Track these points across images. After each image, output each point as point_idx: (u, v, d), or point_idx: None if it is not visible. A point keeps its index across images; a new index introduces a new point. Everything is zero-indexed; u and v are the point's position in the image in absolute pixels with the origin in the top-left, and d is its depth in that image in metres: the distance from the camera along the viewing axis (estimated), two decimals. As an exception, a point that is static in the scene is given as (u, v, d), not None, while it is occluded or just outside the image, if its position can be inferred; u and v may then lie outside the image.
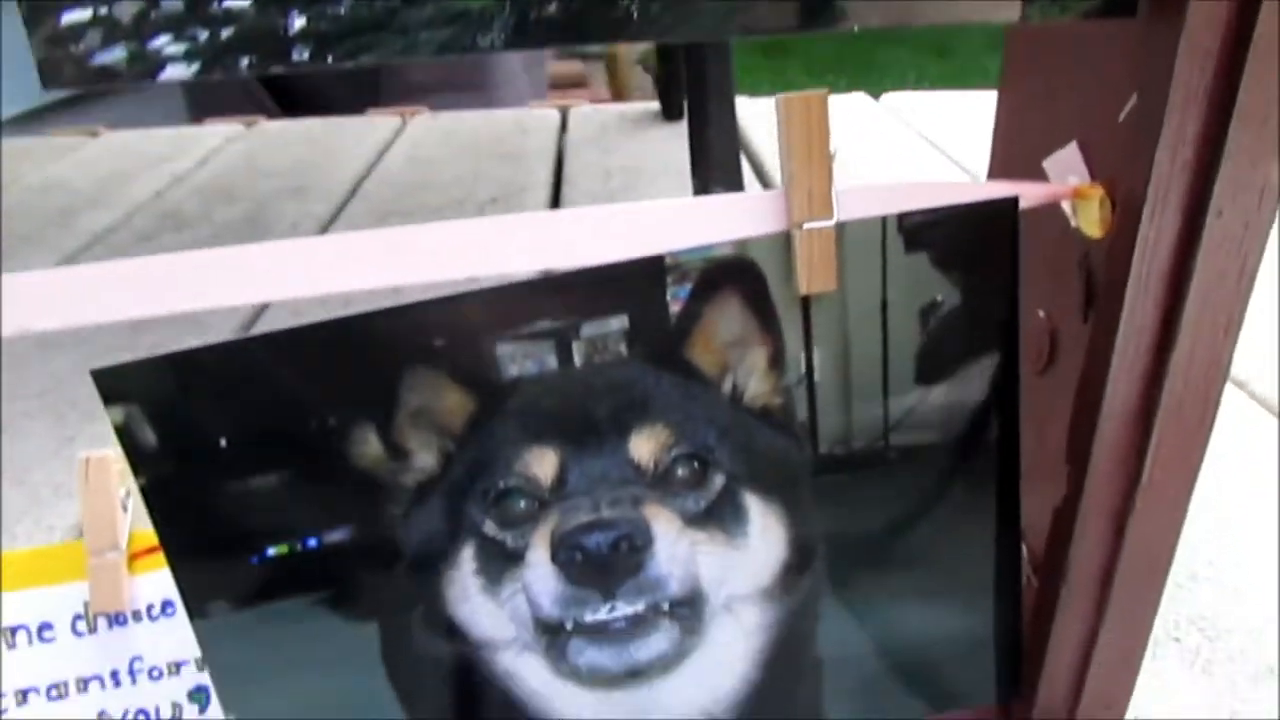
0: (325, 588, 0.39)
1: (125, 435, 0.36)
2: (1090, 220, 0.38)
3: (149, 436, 0.36)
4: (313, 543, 0.38)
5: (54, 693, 0.45)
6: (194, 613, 0.39)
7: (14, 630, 0.45)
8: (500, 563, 0.40)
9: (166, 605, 0.45)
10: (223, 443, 0.37)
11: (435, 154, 1.56)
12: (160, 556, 0.45)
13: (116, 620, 0.45)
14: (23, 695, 0.45)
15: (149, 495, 0.37)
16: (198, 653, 0.45)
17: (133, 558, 0.45)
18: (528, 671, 0.41)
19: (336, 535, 0.39)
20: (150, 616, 0.45)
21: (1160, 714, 0.51)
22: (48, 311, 0.34)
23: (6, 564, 0.45)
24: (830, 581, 0.42)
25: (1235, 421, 0.81)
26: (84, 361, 1.02)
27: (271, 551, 0.38)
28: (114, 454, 0.45)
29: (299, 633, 0.40)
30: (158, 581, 0.45)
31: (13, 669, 0.45)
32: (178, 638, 0.45)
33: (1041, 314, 0.41)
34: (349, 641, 0.40)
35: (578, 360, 0.38)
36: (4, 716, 0.45)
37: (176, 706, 0.45)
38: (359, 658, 0.40)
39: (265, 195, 1.35)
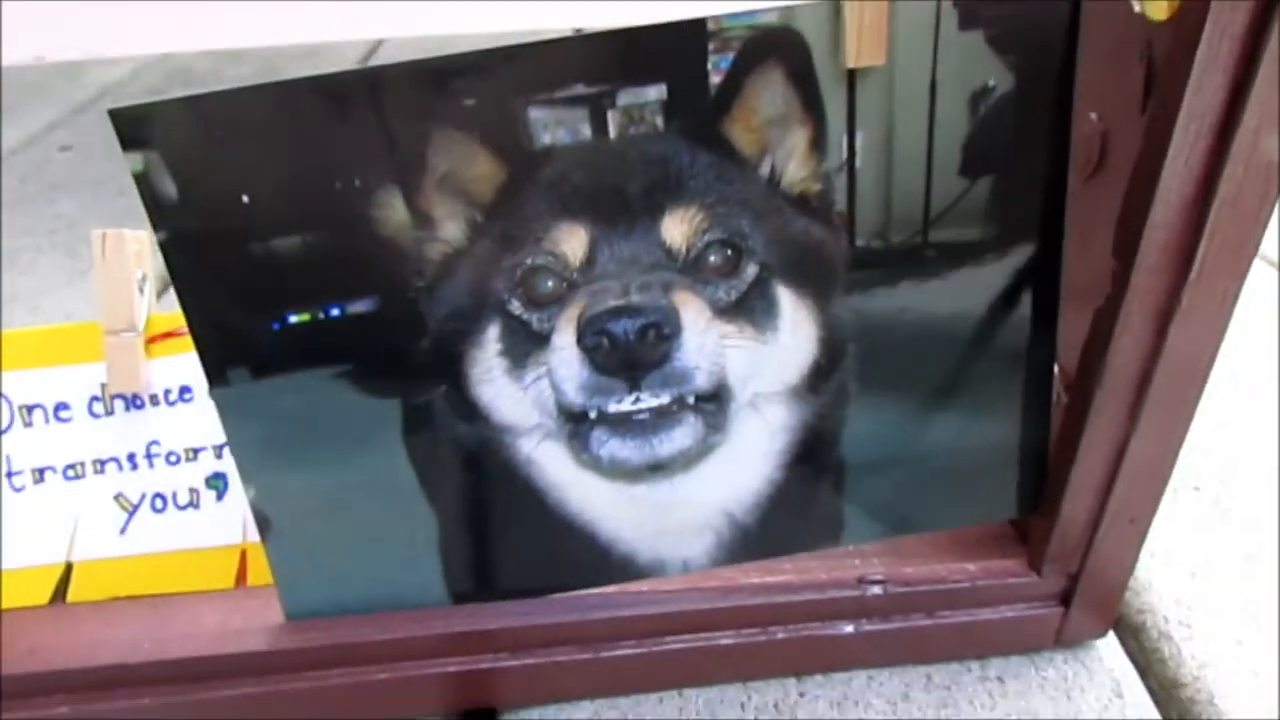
0: (347, 360, 0.38)
1: (144, 184, 0.35)
2: (1157, 2, 0.36)
3: (169, 187, 0.35)
4: (335, 312, 0.38)
5: (70, 473, 0.45)
6: (214, 380, 0.38)
7: (30, 409, 0.44)
8: (525, 344, 0.39)
9: (184, 391, 0.45)
10: (245, 198, 0.36)
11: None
12: (178, 341, 0.45)
13: (133, 403, 0.45)
14: (39, 474, 0.45)
15: (168, 252, 0.36)
16: (216, 440, 0.45)
17: (150, 341, 0.44)
18: (548, 460, 0.41)
19: (359, 305, 0.38)
20: (168, 401, 0.45)
21: (1180, 553, 0.51)
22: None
23: (23, 341, 0.44)
24: (858, 383, 0.41)
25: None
26: (93, 204, 1.00)
27: (293, 318, 0.38)
28: (131, 233, 0.44)
29: (320, 407, 0.39)
30: (175, 366, 0.44)
31: (30, 447, 0.44)
32: (196, 424, 0.45)
33: (1094, 116, 0.40)
34: (370, 419, 0.39)
35: (612, 131, 0.36)
36: (20, 494, 0.45)
37: (194, 492, 0.45)
38: (380, 436, 0.40)
39: (273, 56, 1.31)
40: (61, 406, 0.44)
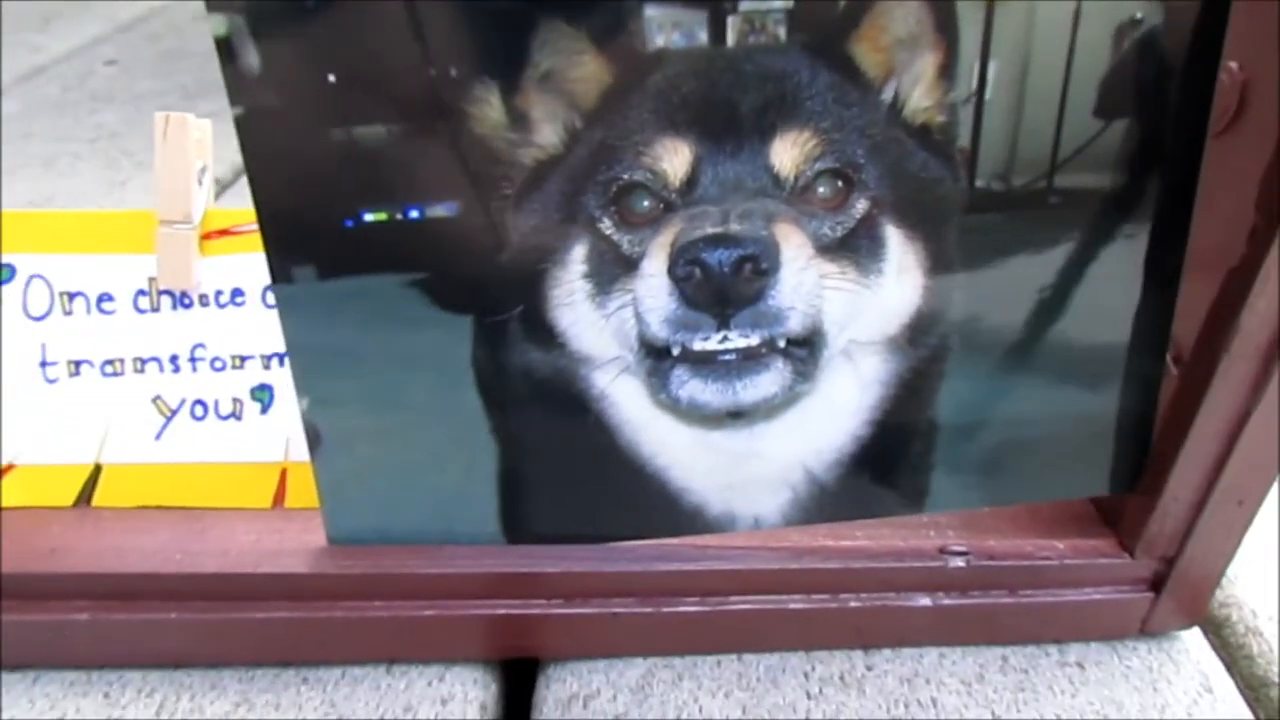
0: (421, 268, 0.36)
1: (226, 51, 0.32)
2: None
3: (252, 56, 0.32)
4: (414, 214, 0.35)
5: (109, 369, 0.42)
6: (277, 276, 0.35)
7: (72, 296, 0.42)
8: (612, 268, 0.36)
9: (236, 294, 0.42)
10: (331, 78, 0.33)
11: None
12: (234, 240, 0.42)
13: (181, 301, 0.42)
14: (75, 366, 0.42)
15: (244, 128, 0.33)
16: (265, 349, 0.43)
17: (204, 237, 0.42)
18: (624, 396, 0.38)
19: (440, 209, 0.35)
20: (218, 303, 0.42)
21: (1269, 544, 0.48)
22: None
23: (70, 224, 0.42)
24: (960, 338, 0.39)
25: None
26: (135, 119, 0.98)
27: (368, 216, 0.35)
28: (194, 118, 0.41)
29: (387, 317, 0.36)
30: (229, 267, 0.42)
31: (68, 337, 0.42)
32: (245, 330, 0.42)
33: (1234, 65, 0.37)
34: (438, 335, 0.37)
35: (730, 39, 0.34)
36: (53, 386, 0.42)
37: (237, 402, 0.43)
38: (447, 355, 0.37)
39: None
40: (105, 297, 0.42)
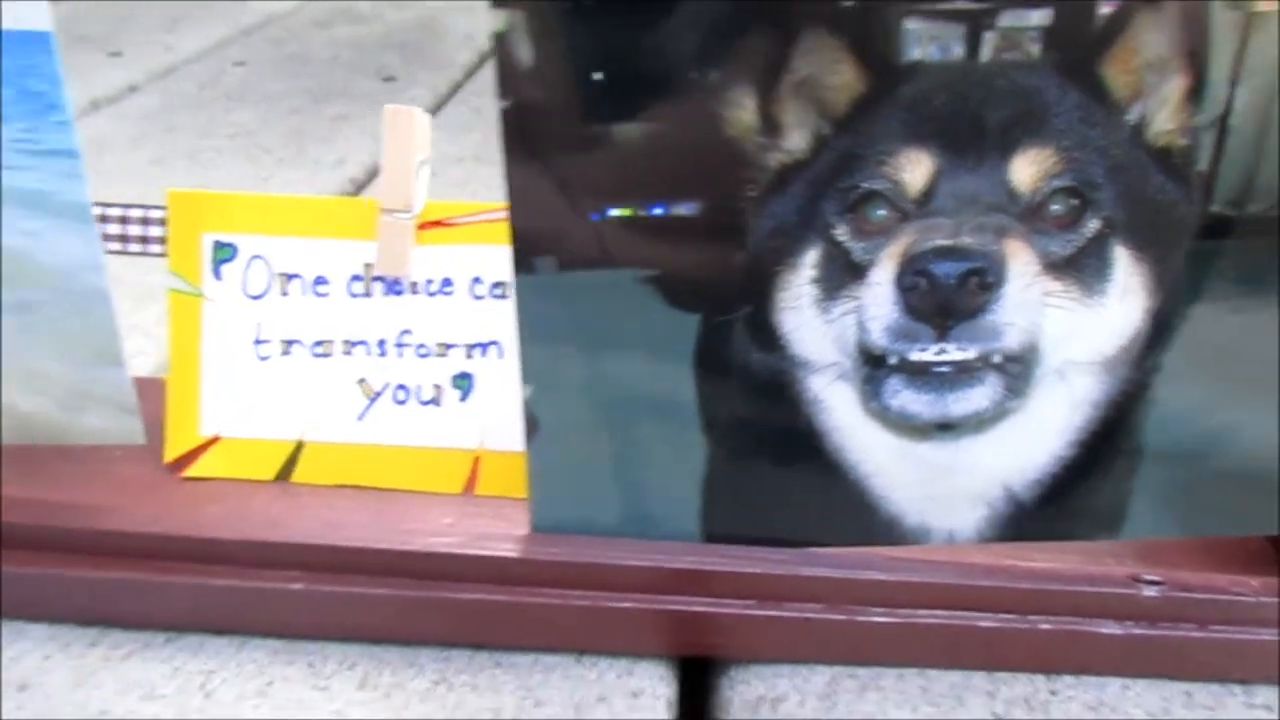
0: (657, 265, 0.37)
1: (502, 45, 0.33)
2: None
3: (525, 52, 0.34)
4: (658, 211, 0.36)
5: (318, 349, 0.44)
6: (520, 265, 0.36)
7: (289, 278, 0.43)
8: (841, 275, 0.37)
9: (446, 283, 0.43)
10: (597, 75, 0.34)
11: None
12: (447, 232, 0.44)
13: (393, 288, 0.43)
14: (287, 345, 0.44)
15: (508, 121, 0.34)
16: (469, 338, 0.44)
17: (419, 227, 0.43)
18: (836, 402, 0.39)
19: (684, 208, 0.36)
20: (428, 292, 0.43)
21: None
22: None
23: (291, 208, 0.43)
24: (1176, 364, 0.39)
25: None
26: (268, 117, 1.01)
27: (614, 212, 0.36)
28: (419, 112, 0.42)
29: (618, 312, 0.37)
30: (441, 257, 0.43)
31: (282, 317, 0.43)
32: (451, 319, 0.43)
33: None
34: (666, 332, 0.37)
35: (984, 54, 0.34)
36: (264, 363, 0.44)
37: (438, 389, 0.44)
38: (671, 352, 0.38)
39: (439, 7, 1.32)
40: (320, 280, 0.43)
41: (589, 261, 0.37)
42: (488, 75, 1.19)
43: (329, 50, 1.16)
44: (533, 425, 0.39)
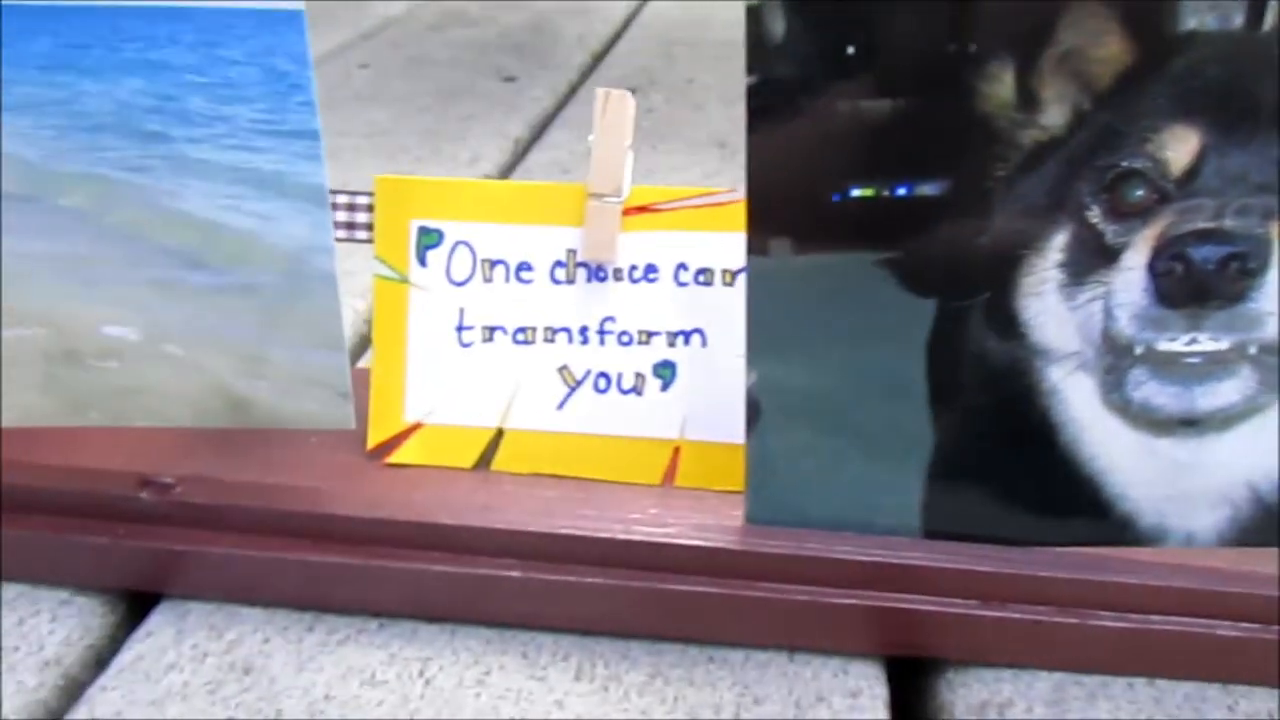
0: (898, 246, 0.35)
1: (755, 20, 0.33)
2: None
3: (778, 26, 0.33)
4: (901, 190, 0.35)
5: (520, 336, 0.43)
6: (755, 247, 0.36)
7: (493, 264, 0.43)
8: (1090, 259, 0.35)
9: (650, 270, 0.42)
10: (850, 49, 0.33)
11: None
12: (653, 217, 0.43)
13: (596, 274, 0.43)
14: (489, 332, 0.43)
15: (755, 97, 0.34)
16: (672, 326, 0.43)
17: (624, 213, 0.42)
18: (1074, 394, 0.37)
19: (930, 186, 0.35)
20: (631, 279, 0.43)
21: None
22: None
23: (496, 194, 0.43)
24: None
25: None
26: (401, 117, 1.01)
27: (856, 191, 0.35)
28: (629, 94, 0.42)
29: (853, 296, 0.36)
30: (646, 243, 0.42)
31: (485, 304, 0.43)
32: (655, 307, 0.42)
33: None
34: (900, 318, 0.36)
35: (1267, 23, 0.33)
36: (466, 350, 0.43)
37: (639, 377, 0.43)
38: (904, 339, 0.36)
39: (548, 10, 1.32)
40: (524, 266, 0.43)
41: (826, 244, 0.36)
42: (604, 75, 1.20)
43: (447, 52, 1.17)
44: (755, 413, 0.38)
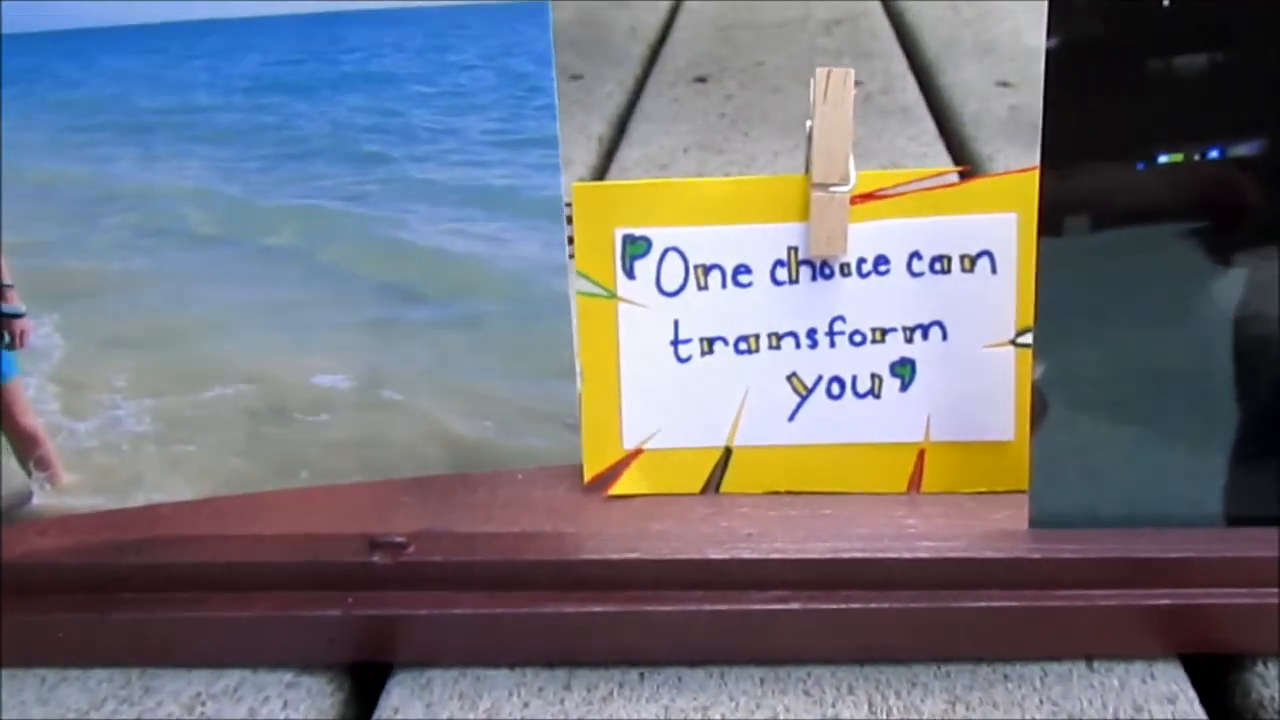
0: (1208, 214, 0.32)
1: (1059, -26, 0.29)
2: None
3: (1082, -20, 0.30)
4: (1214, 153, 0.32)
5: (743, 345, 0.40)
6: (1048, 228, 0.32)
7: (708, 269, 0.39)
8: None
9: (880, 262, 0.39)
10: (1165, 1, 0.30)
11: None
12: (880, 205, 0.40)
13: (822, 271, 0.39)
14: (708, 344, 0.40)
15: (1056, 61, 0.30)
16: (908, 320, 0.40)
17: (850, 202, 0.39)
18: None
19: (1245, 147, 0.31)
20: (860, 273, 0.39)
21: None
22: None
23: (707, 192, 0.39)
24: None
25: None
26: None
27: (1163, 158, 0.32)
28: (852, 74, 0.38)
29: (1152, 272, 0.33)
30: (874, 233, 0.39)
31: (702, 313, 0.40)
32: (888, 301, 0.39)
33: None
34: (1205, 292, 0.33)
35: None
36: (685, 365, 0.40)
37: (876, 378, 0.40)
38: (1209, 314, 0.33)
39: (591, 5, 1.28)
40: (742, 269, 0.39)
41: (1127, 218, 0.32)
42: (670, 65, 1.15)
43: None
44: (1041, 409, 0.35)
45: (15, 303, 0.33)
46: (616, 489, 0.40)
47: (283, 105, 0.31)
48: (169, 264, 0.32)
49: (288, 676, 0.37)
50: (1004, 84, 1.06)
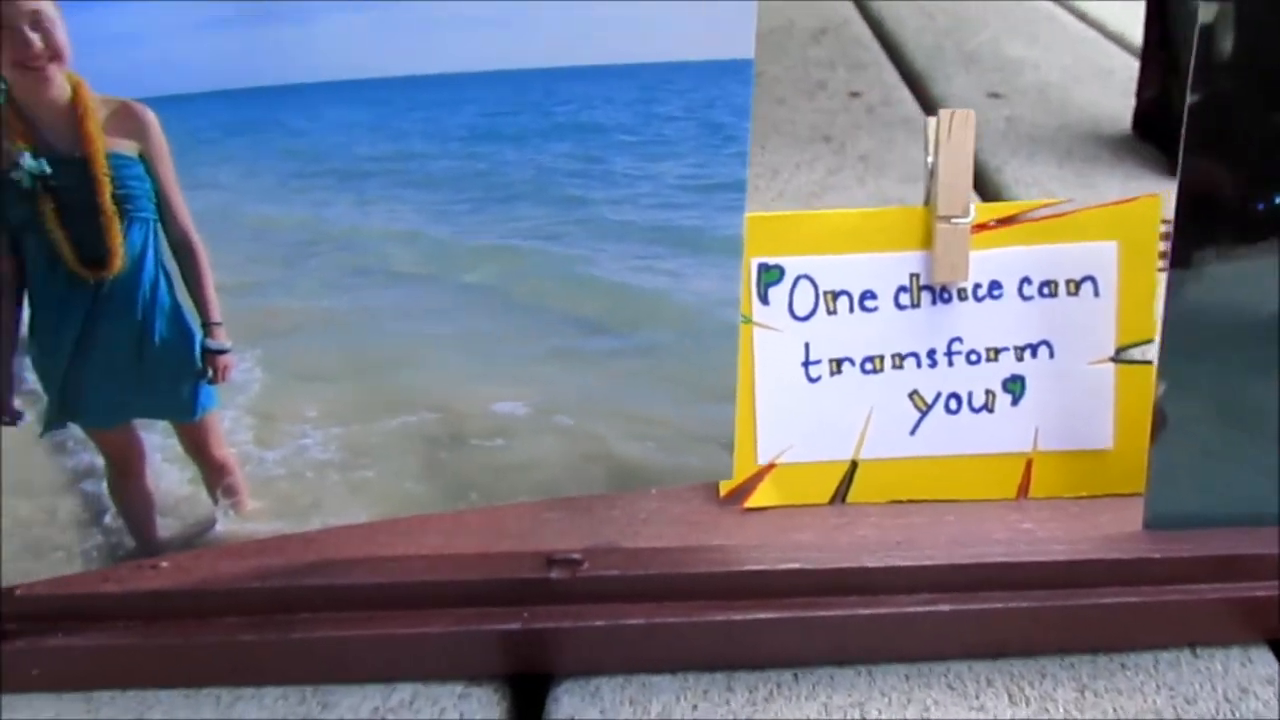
0: (1312, 248, 0.36)
1: (1206, 37, 0.33)
2: None
3: (1226, 43, 0.33)
4: (1323, 193, 0.36)
5: (869, 365, 0.43)
6: (1179, 260, 0.36)
7: (836, 295, 0.42)
8: None
9: (994, 287, 0.42)
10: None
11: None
12: (994, 234, 0.43)
13: (941, 296, 0.42)
14: (836, 364, 0.42)
15: (1196, 114, 0.34)
16: (1019, 340, 0.43)
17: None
18: None
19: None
20: (976, 297, 0.42)
21: None
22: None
23: (835, 224, 0.42)
24: None
25: None
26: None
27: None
28: (973, 115, 0.41)
29: (1268, 296, 0.37)
30: (989, 260, 0.42)
31: (831, 336, 0.42)
32: (1002, 323, 0.42)
33: None
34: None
35: None
36: (815, 385, 0.42)
37: (989, 394, 0.43)
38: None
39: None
40: (868, 295, 0.42)
41: (1247, 251, 0.36)
42: None
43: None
44: (1161, 422, 0.38)
45: (222, 339, 0.34)
46: (752, 501, 0.43)
47: (494, 153, 0.32)
48: (370, 301, 0.33)
49: (458, 688, 0.39)
50: (995, 95, 1.11)
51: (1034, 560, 0.38)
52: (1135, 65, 1.17)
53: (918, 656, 0.39)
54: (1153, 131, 0.89)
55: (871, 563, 0.38)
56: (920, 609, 0.38)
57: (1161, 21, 0.86)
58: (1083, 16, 1.37)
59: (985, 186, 0.85)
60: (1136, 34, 1.26)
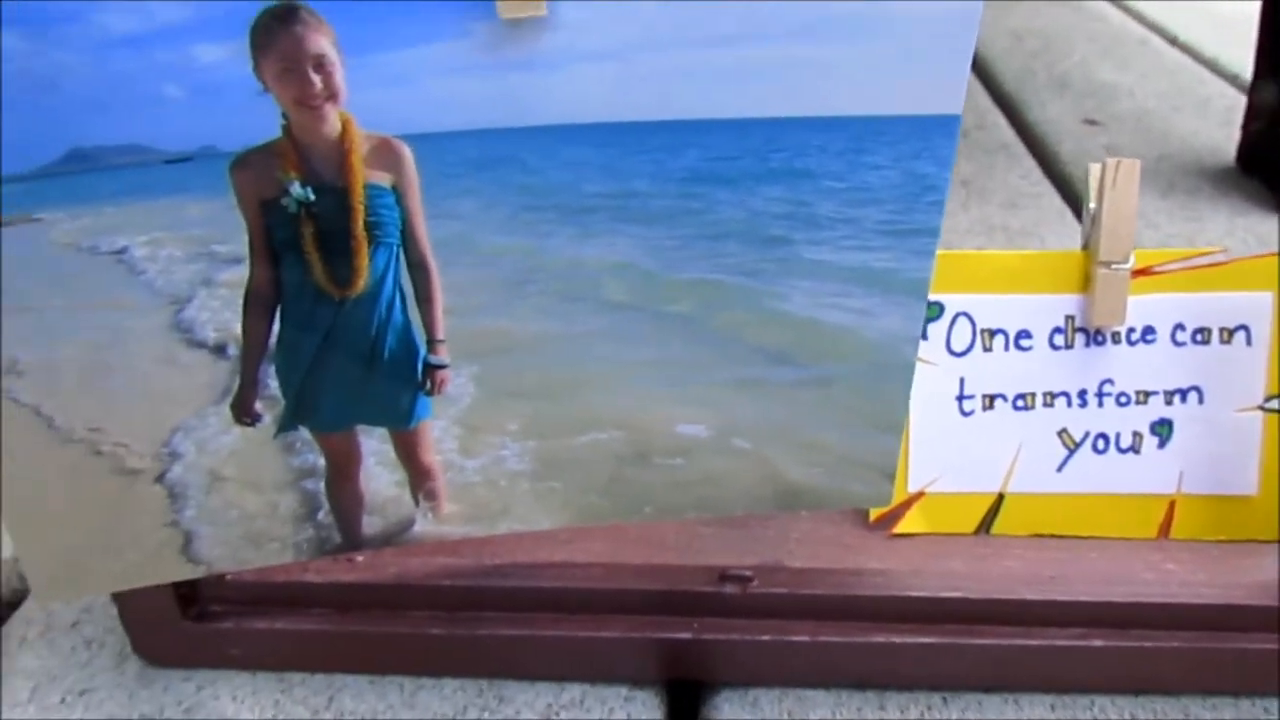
0: None
1: None
2: None
3: None
4: None
5: (1020, 403, 0.44)
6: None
7: (993, 333, 0.44)
8: None
9: (1148, 332, 0.43)
10: None
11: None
12: (1151, 280, 0.44)
13: (1095, 339, 0.44)
14: (989, 400, 0.44)
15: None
16: (1169, 384, 0.44)
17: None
18: None
19: None
20: (1129, 341, 0.44)
21: None
22: None
23: (994, 264, 0.43)
24: None
25: None
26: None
27: None
28: (1138, 162, 0.43)
29: None
30: (1146, 305, 0.43)
31: (985, 372, 0.44)
32: (1153, 367, 0.44)
33: None
34: None
35: None
36: (968, 418, 0.44)
37: (1137, 436, 0.44)
38: None
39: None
40: (1023, 334, 0.44)
41: None
42: None
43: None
44: (1316, 474, 0.40)
45: (443, 355, 0.36)
46: (900, 527, 0.44)
47: (709, 193, 0.34)
48: (578, 326, 0.36)
49: (624, 691, 0.41)
50: (1091, 122, 1.11)
51: (1187, 602, 0.39)
52: (1232, 93, 1.17)
53: (1065, 688, 0.41)
54: (1259, 165, 0.89)
55: (1030, 595, 0.39)
56: (1073, 643, 0.39)
57: (1273, 54, 0.86)
58: (1174, 41, 1.36)
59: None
60: (1231, 60, 1.25)
